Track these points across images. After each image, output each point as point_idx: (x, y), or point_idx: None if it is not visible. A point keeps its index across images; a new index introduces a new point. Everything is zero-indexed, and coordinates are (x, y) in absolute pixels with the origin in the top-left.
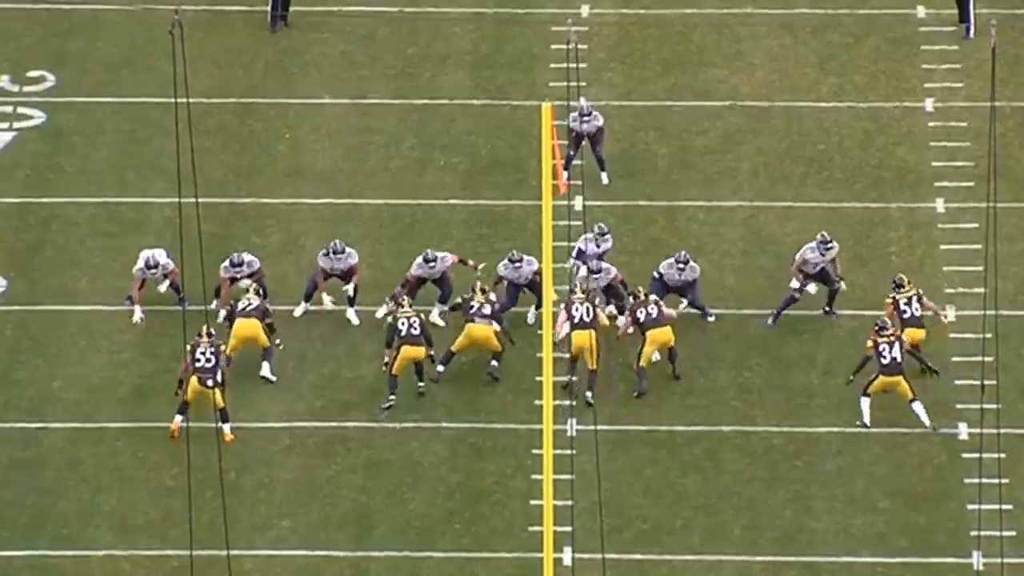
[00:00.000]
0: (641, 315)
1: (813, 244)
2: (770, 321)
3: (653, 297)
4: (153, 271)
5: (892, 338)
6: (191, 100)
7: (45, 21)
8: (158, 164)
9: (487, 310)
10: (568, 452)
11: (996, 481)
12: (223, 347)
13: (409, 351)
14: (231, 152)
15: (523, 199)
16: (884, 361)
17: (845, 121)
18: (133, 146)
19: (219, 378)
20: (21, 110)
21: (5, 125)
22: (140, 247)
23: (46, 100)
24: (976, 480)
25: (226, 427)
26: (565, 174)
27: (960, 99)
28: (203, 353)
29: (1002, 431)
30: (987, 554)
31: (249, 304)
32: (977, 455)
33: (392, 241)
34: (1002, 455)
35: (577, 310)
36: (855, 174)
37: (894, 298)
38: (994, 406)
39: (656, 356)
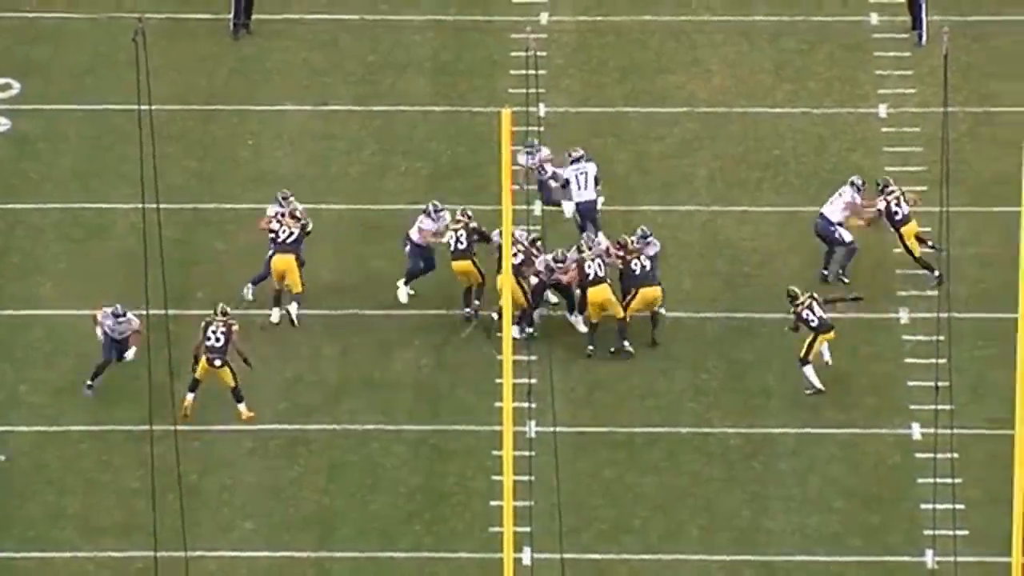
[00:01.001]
0: (636, 267)
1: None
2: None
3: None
4: (120, 320)
5: (807, 301)
6: (154, 107)
7: (10, 29)
8: (122, 170)
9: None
10: (528, 454)
11: (949, 481)
12: (235, 327)
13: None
14: (194, 158)
15: (483, 204)
16: (813, 324)
17: (800, 127)
18: (97, 153)
19: (237, 357)
20: None
21: None
22: (104, 251)
23: (11, 107)
24: (930, 480)
25: (241, 406)
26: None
27: (913, 105)
28: (214, 332)
29: (955, 431)
30: (940, 553)
31: (290, 236)
32: (931, 455)
33: (354, 245)
34: (955, 455)
35: (589, 267)
36: (810, 179)
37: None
38: (947, 407)
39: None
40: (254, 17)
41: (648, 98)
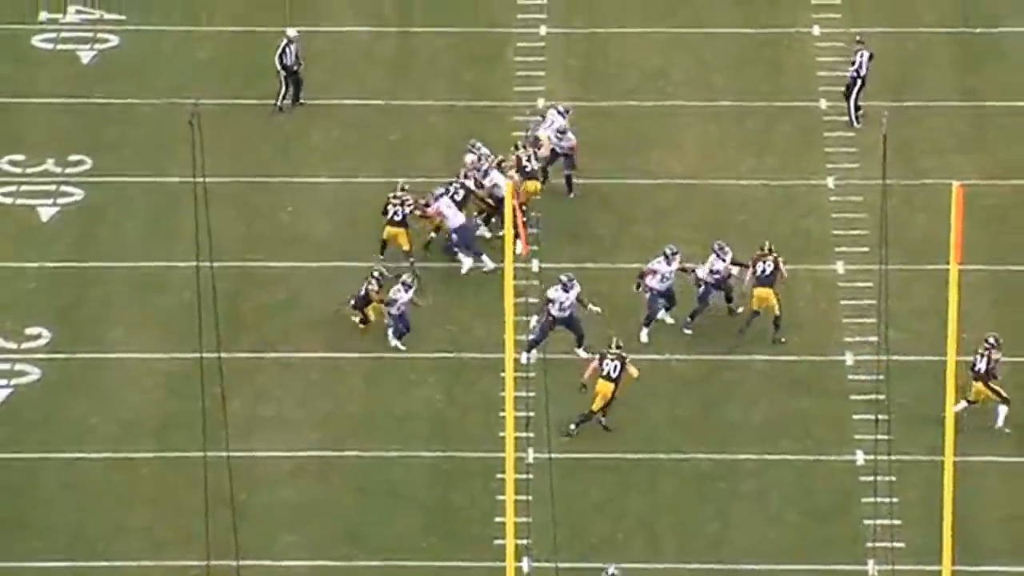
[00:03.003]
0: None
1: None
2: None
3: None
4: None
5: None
6: (208, 179)
7: (84, 112)
8: (179, 233)
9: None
10: (527, 476)
11: (888, 500)
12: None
13: None
14: (242, 223)
15: (494, 261)
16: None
17: (760, 196)
18: (159, 218)
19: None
20: (64, 188)
21: (50, 201)
22: (165, 303)
23: (85, 180)
24: (871, 499)
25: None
26: (518, 243)
27: (857, 178)
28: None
29: (893, 458)
30: (880, 563)
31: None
32: (872, 478)
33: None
34: (893, 478)
35: (606, 365)
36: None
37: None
38: (886, 437)
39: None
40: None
41: (632, 171)
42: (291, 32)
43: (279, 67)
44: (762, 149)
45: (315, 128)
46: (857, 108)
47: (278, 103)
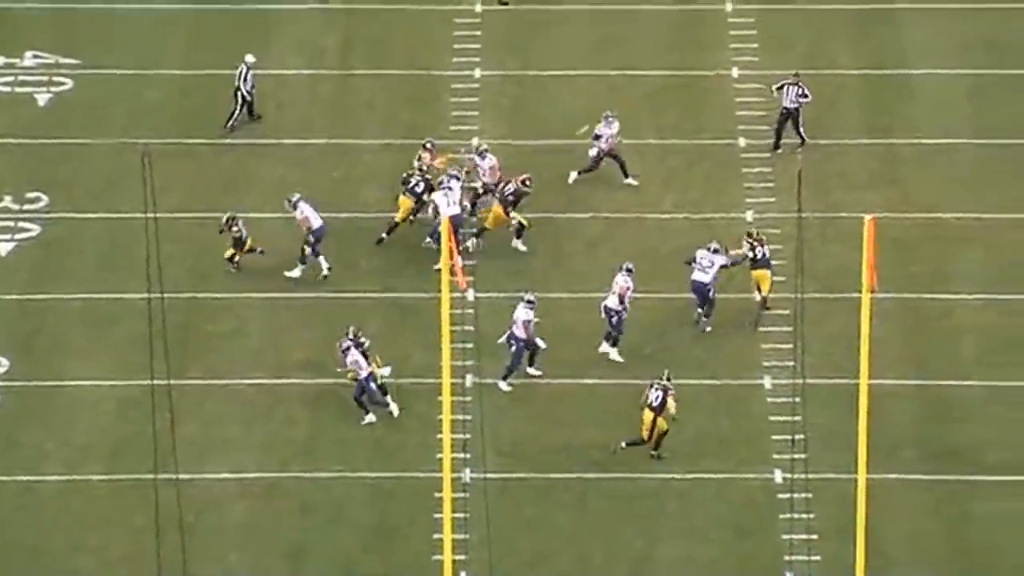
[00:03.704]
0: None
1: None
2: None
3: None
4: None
5: (758, 239)
6: (159, 215)
7: (41, 152)
8: (131, 266)
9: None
10: (463, 495)
11: (805, 516)
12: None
13: None
14: (191, 256)
15: (427, 292)
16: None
17: (683, 228)
18: (111, 252)
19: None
20: (21, 224)
21: (8, 236)
22: (118, 333)
23: (41, 216)
24: (789, 515)
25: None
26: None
27: (774, 211)
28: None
29: (809, 476)
30: (798, 574)
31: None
32: (789, 495)
33: (320, 327)
34: (809, 495)
35: (650, 395)
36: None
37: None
38: (802, 456)
39: None
40: (241, 141)
41: (562, 206)
42: (249, 58)
43: (244, 91)
44: (685, 184)
45: (261, 166)
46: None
47: (230, 123)
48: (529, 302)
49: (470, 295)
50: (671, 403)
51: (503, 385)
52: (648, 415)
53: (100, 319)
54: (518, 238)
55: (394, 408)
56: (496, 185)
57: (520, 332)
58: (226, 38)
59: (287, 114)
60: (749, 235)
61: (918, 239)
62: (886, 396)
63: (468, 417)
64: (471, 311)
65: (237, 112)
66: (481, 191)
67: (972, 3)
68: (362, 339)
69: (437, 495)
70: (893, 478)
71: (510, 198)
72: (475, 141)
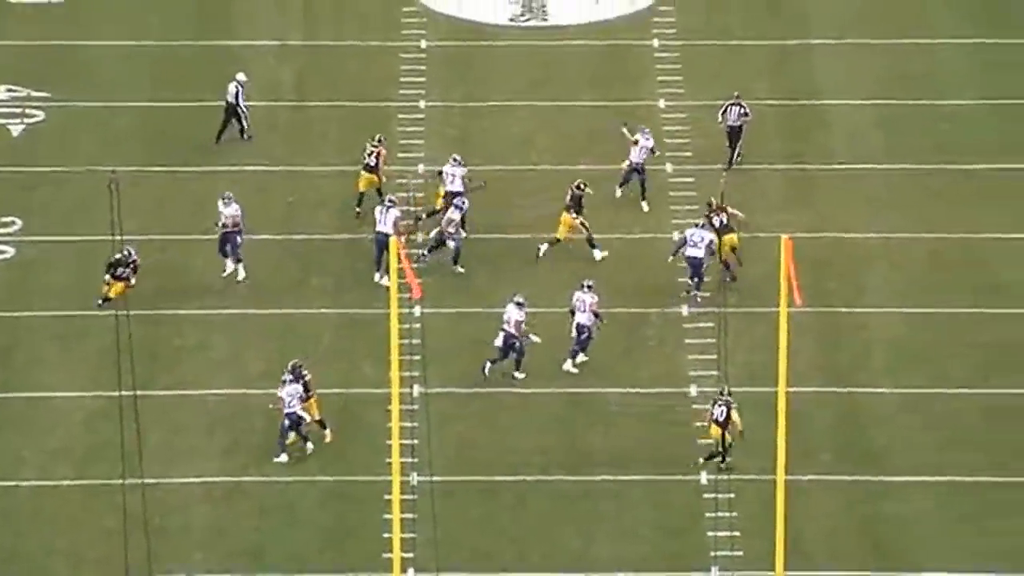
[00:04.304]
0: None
1: None
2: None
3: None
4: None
5: (716, 209)
6: (125, 237)
7: (15, 180)
8: (101, 286)
9: None
10: (411, 497)
11: (728, 515)
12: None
13: None
14: (157, 275)
15: (376, 308)
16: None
17: (616, 247)
18: (82, 273)
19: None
20: None
21: None
22: (88, 348)
23: (15, 239)
24: (714, 515)
25: (327, 431)
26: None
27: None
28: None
29: (732, 478)
30: (722, 568)
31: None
32: (715, 496)
33: (278, 341)
34: (732, 495)
35: (714, 410)
36: (624, 289)
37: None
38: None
39: None
40: (200, 169)
41: (502, 227)
42: (240, 76)
43: (242, 107)
44: (616, 207)
45: (222, 191)
46: (738, 153)
47: (242, 129)
48: (519, 303)
49: (416, 311)
50: (735, 416)
51: (518, 375)
52: (716, 430)
53: (72, 334)
54: (592, 246)
55: (309, 446)
56: (457, 196)
57: (513, 330)
58: (189, 72)
59: (245, 142)
60: (708, 205)
61: (832, 257)
62: (804, 403)
63: (415, 424)
64: (418, 326)
65: (246, 125)
66: (432, 211)
67: (880, 39)
68: (304, 373)
69: (387, 497)
70: (810, 479)
71: (571, 203)
72: (420, 168)
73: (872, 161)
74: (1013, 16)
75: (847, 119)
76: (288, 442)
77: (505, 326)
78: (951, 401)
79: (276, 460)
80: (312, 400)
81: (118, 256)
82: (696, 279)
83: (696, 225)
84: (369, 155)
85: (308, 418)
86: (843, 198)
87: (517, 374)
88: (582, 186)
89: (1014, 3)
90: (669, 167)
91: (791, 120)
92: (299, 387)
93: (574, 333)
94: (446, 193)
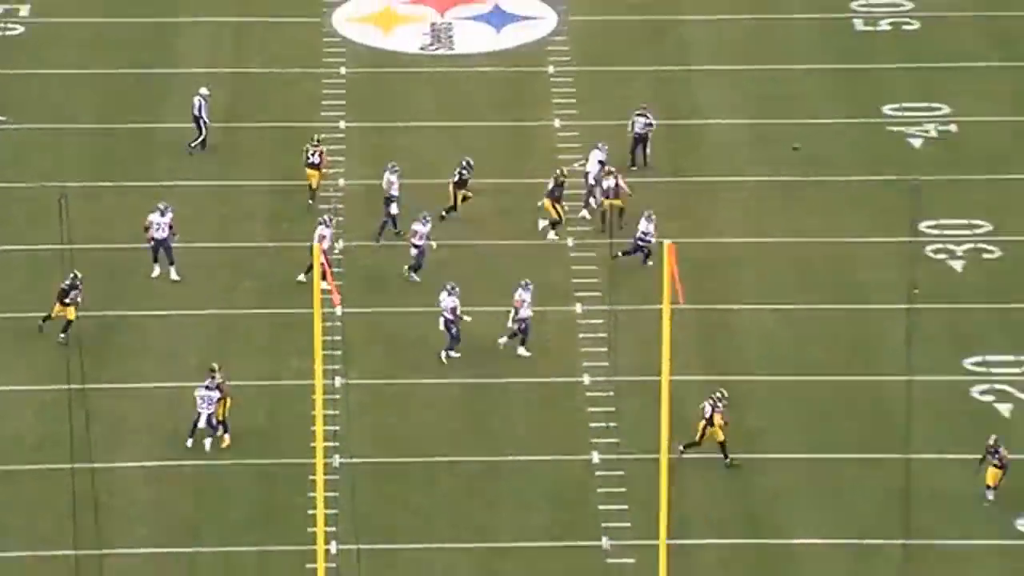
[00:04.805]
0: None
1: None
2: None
3: None
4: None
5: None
6: (74, 247)
7: None
8: (52, 291)
9: None
10: (334, 477)
11: (618, 490)
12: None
13: None
14: (102, 282)
15: (302, 308)
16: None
17: (518, 252)
18: (34, 280)
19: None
20: None
21: None
22: (43, 346)
23: None
24: (604, 490)
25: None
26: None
27: (591, 237)
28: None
29: (621, 457)
30: (612, 538)
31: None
32: (606, 473)
33: (219, 345)
34: (622, 473)
35: (704, 409)
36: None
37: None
38: (616, 440)
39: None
40: (139, 184)
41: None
42: (203, 91)
43: (204, 119)
44: (517, 215)
45: (158, 204)
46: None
47: (195, 145)
48: (450, 290)
49: (338, 311)
50: (717, 417)
51: (454, 354)
52: (701, 424)
53: (26, 335)
54: (553, 228)
55: (227, 438)
56: (393, 200)
57: (450, 316)
58: (131, 96)
59: (184, 160)
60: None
61: (709, 260)
62: (685, 390)
63: (337, 412)
64: (339, 323)
65: (202, 136)
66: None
67: (750, 65)
68: (218, 377)
69: (311, 478)
70: (691, 458)
71: (556, 192)
72: (341, 182)
73: (744, 174)
74: (863, 48)
75: (722, 136)
76: (200, 433)
77: (444, 313)
78: (815, 387)
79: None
80: (224, 402)
81: (67, 283)
82: (650, 256)
83: (645, 217)
84: (312, 154)
85: (216, 418)
86: (719, 207)
87: (452, 354)
88: (562, 173)
89: (864, 36)
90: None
91: (672, 137)
92: (214, 393)
93: (512, 324)
94: (385, 198)
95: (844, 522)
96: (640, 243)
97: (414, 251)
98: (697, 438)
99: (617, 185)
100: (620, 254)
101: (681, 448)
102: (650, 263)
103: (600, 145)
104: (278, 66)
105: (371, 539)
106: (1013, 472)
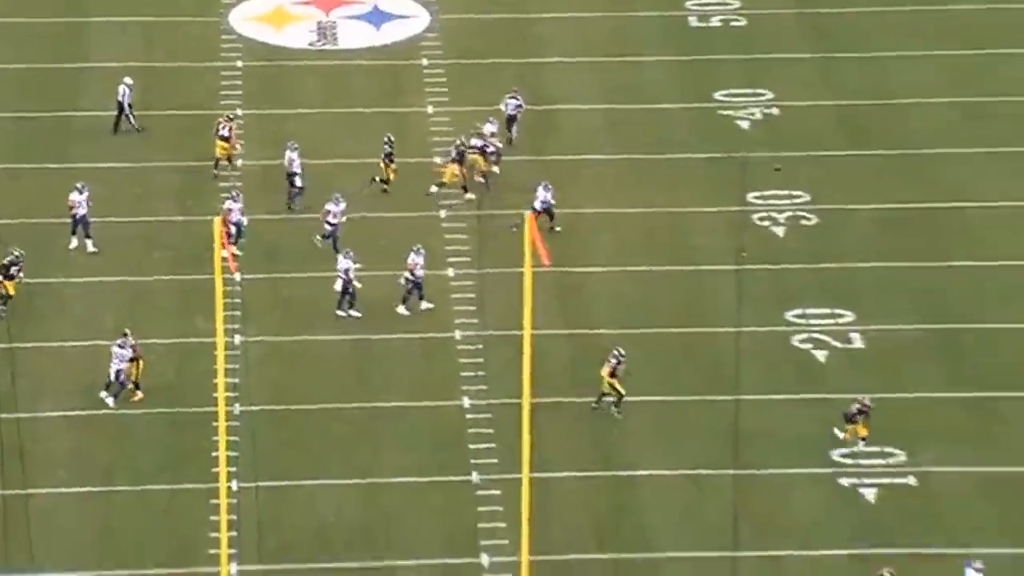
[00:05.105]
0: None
1: None
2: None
3: None
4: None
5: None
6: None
7: None
8: None
9: None
10: (235, 424)
11: (486, 431)
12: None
13: None
14: (27, 252)
15: (206, 275)
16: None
17: (395, 226)
18: None
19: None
20: None
21: None
22: None
23: None
24: (475, 430)
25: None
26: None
27: (463, 210)
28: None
29: (490, 402)
30: (481, 473)
31: None
32: (475, 416)
33: (132, 309)
34: (490, 415)
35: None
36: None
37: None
38: (484, 388)
39: None
40: (66, 165)
41: (306, 209)
42: (128, 80)
43: (126, 104)
44: (395, 194)
45: (75, 184)
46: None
47: (134, 125)
48: (347, 254)
49: (237, 277)
50: (606, 369)
51: (354, 312)
52: (605, 376)
53: None
54: (465, 191)
55: (139, 393)
56: (294, 175)
57: (344, 276)
58: (47, 88)
59: (99, 144)
60: (459, 147)
61: (568, 228)
62: (546, 343)
63: (237, 366)
64: (239, 288)
65: (129, 120)
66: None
67: (603, 58)
68: (131, 341)
69: (214, 424)
70: (550, 401)
71: (456, 157)
72: (240, 162)
73: (598, 153)
74: (697, 42)
75: (578, 120)
76: (112, 387)
77: (340, 275)
78: (660, 339)
79: (103, 397)
80: (136, 363)
81: (9, 259)
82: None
83: (543, 187)
84: (222, 128)
85: (129, 375)
86: (576, 182)
87: (352, 312)
88: (462, 144)
89: (698, 31)
90: (438, 159)
91: (535, 122)
92: (127, 352)
93: (404, 282)
94: (288, 174)
95: (684, 456)
96: (545, 210)
97: (328, 228)
98: (608, 388)
99: (484, 146)
100: (514, 227)
101: (595, 403)
102: (558, 228)
103: (491, 119)
104: (182, 60)
105: (268, 477)
106: (828, 410)
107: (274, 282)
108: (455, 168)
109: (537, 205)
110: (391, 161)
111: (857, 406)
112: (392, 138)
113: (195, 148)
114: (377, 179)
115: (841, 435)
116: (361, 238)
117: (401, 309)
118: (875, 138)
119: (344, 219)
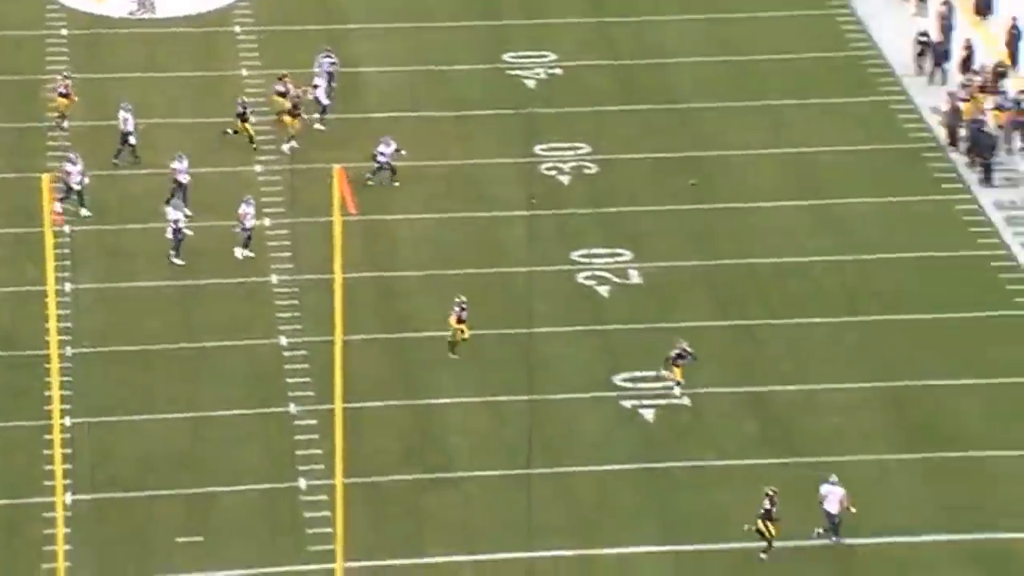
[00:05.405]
0: None
1: None
2: None
3: None
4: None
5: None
6: None
7: None
8: None
9: None
10: (68, 365)
11: (302, 367)
12: None
13: None
14: None
15: (36, 228)
16: None
17: (218, 185)
18: None
19: None
20: None
21: None
22: None
23: None
24: (291, 366)
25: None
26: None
27: (281, 164)
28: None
29: (305, 340)
30: (298, 405)
31: None
32: (291, 353)
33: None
34: (306, 352)
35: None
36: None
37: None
38: (300, 327)
39: None
40: None
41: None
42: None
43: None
44: (212, 148)
45: None
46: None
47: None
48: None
49: (67, 229)
50: (452, 318)
51: (178, 260)
52: (457, 326)
53: None
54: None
55: None
56: (129, 135)
57: (175, 226)
58: None
59: None
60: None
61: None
62: (354, 285)
63: (68, 312)
64: (68, 239)
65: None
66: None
67: (402, 24)
68: None
69: (46, 366)
70: (360, 339)
71: (294, 108)
72: (66, 123)
73: (401, 111)
74: (489, 7)
75: (380, 82)
76: None
77: (171, 224)
78: (459, 279)
79: None
80: None
81: None
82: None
83: (385, 144)
84: (60, 87)
85: None
86: (382, 134)
87: (247, 252)
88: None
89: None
90: (253, 119)
91: (341, 83)
92: None
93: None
94: (121, 132)
95: (484, 384)
96: (382, 164)
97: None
98: (459, 335)
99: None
100: (369, 175)
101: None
102: (396, 183)
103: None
104: (8, 30)
105: (98, 413)
106: (607, 340)
107: (104, 234)
108: (294, 121)
109: (380, 159)
110: (245, 120)
111: (677, 351)
112: (245, 100)
113: (26, 110)
114: (230, 131)
115: (666, 375)
116: (194, 192)
117: (244, 252)
118: (647, 94)
119: (188, 178)
